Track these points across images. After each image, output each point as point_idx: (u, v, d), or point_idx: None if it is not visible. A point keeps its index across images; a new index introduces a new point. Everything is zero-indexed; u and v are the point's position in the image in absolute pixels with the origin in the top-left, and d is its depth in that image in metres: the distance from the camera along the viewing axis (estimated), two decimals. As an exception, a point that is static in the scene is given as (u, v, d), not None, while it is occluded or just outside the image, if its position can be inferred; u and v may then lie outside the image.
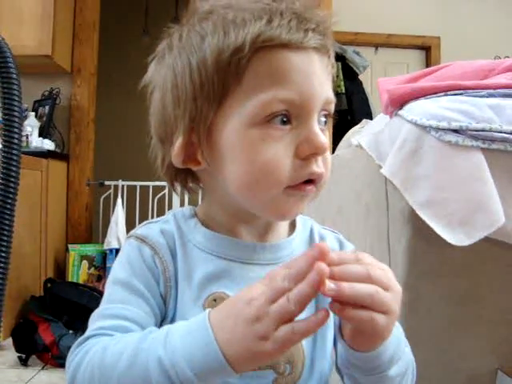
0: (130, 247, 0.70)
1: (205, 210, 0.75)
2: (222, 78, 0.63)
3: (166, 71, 0.69)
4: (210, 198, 0.75)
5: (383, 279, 0.55)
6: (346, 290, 0.52)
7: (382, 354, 0.61)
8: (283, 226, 0.76)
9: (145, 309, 0.65)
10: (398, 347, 0.64)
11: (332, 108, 0.68)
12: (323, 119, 0.67)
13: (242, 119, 0.63)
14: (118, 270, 0.69)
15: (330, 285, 0.52)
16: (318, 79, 0.64)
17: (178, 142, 0.66)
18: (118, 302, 0.65)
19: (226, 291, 0.67)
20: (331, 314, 0.54)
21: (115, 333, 0.61)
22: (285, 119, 0.63)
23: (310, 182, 0.65)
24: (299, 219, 0.78)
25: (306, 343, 0.70)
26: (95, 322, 0.64)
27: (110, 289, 0.67)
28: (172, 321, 0.66)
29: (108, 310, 0.65)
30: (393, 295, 0.56)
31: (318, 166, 0.65)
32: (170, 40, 0.69)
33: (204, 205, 0.76)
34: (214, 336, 0.53)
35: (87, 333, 0.63)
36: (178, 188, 0.76)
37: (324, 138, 0.64)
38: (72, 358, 0.61)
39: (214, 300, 0.67)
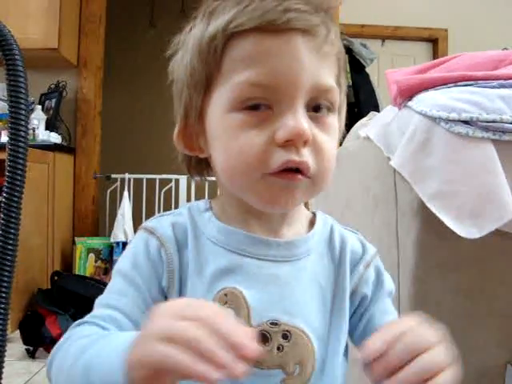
0: (138, 238, 0.71)
1: (219, 203, 0.74)
2: (204, 67, 0.64)
3: (175, 64, 0.72)
4: (221, 189, 0.75)
5: (428, 341, 0.54)
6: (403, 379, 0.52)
7: None
8: (300, 222, 0.75)
9: (137, 302, 0.65)
10: None
11: (332, 97, 0.65)
12: (322, 107, 0.64)
13: (222, 105, 0.63)
14: (122, 259, 0.70)
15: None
16: (301, 63, 0.61)
17: (176, 129, 0.70)
18: (115, 292, 0.67)
19: (238, 286, 0.66)
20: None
21: (104, 323, 0.63)
22: (262, 104, 0.61)
23: (295, 171, 0.62)
24: (319, 218, 0.77)
25: (317, 345, 0.69)
26: (96, 308, 0.66)
27: (114, 277, 0.69)
28: None
29: (105, 300, 0.67)
30: (443, 349, 0.55)
31: (300, 155, 0.61)
32: (184, 33, 0.72)
33: (219, 197, 0.76)
34: (127, 357, 0.50)
35: (86, 317, 0.65)
36: (196, 176, 0.78)
37: (304, 125, 0.60)
38: (59, 341, 0.63)
39: (225, 295, 0.66)
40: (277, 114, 0.61)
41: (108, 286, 0.69)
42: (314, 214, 0.77)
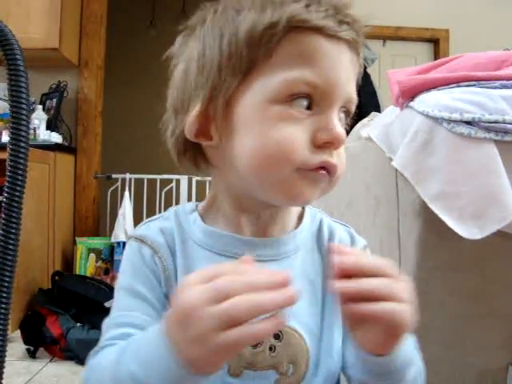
0: (130, 249, 0.71)
1: (207, 202, 0.74)
2: (252, 52, 0.62)
3: (194, 43, 0.68)
4: (215, 182, 0.73)
5: (389, 270, 0.55)
6: (356, 286, 0.52)
7: (398, 355, 0.60)
8: (289, 218, 0.74)
9: (149, 312, 0.65)
10: (411, 349, 0.64)
11: (352, 108, 0.68)
12: (342, 115, 0.67)
13: (265, 94, 0.62)
14: (121, 275, 0.70)
15: (343, 284, 0.52)
16: (345, 72, 0.64)
17: (195, 110, 0.65)
18: (124, 309, 0.66)
19: None
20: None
21: (122, 341, 0.61)
22: (306, 103, 0.62)
23: (323, 168, 0.63)
24: (308, 212, 0.77)
25: (310, 342, 0.68)
26: (107, 331, 0.65)
27: (117, 295, 0.69)
28: None
29: (116, 319, 0.66)
30: (403, 285, 0.55)
31: (332, 157, 0.63)
32: (204, 14, 0.68)
33: (209, 194, 0.75)
34: (169, 346, 0.51)
35: (100, 343, 0.64)
36: (185, 162, 0.73)
37: (342, 130, 0.64)
38: (85, 372, 0.62)
39: None
40: (316, 113, 0.63)
41: (114, 304, 0.68)
42: (304, 209, 0.77)
